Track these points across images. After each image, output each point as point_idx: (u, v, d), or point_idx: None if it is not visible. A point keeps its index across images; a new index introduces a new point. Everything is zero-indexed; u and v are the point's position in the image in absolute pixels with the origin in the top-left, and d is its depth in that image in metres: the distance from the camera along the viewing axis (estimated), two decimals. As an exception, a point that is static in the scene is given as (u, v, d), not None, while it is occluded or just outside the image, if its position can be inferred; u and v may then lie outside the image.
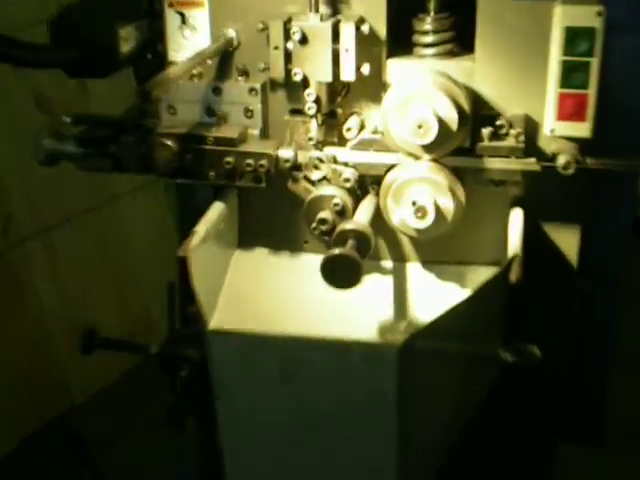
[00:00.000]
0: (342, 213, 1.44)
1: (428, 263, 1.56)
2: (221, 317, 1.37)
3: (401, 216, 1.37)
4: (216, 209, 1.48)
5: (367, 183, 1.48)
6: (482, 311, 1.31)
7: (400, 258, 1.57)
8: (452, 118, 1.34)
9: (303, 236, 1.58)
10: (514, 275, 1.25)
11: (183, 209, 1.62)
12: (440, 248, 1.52)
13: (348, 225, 1.33)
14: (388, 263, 1.57)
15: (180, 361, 1.62)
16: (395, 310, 1.45)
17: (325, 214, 1.44)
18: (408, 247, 1.57)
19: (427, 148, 1.36)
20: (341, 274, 1.25)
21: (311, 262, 1.59)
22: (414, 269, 1.56)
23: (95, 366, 2.85)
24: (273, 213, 1.58)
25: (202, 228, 1.40)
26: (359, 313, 1.39)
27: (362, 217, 1.40)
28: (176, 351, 1.64)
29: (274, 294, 1.49)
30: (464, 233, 1.47)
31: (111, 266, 3.25)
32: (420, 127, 1.32)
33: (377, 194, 1.46)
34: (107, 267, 3.26)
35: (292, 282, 1.54)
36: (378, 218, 1.44)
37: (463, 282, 1.52)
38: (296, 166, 1.46)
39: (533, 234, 1.46)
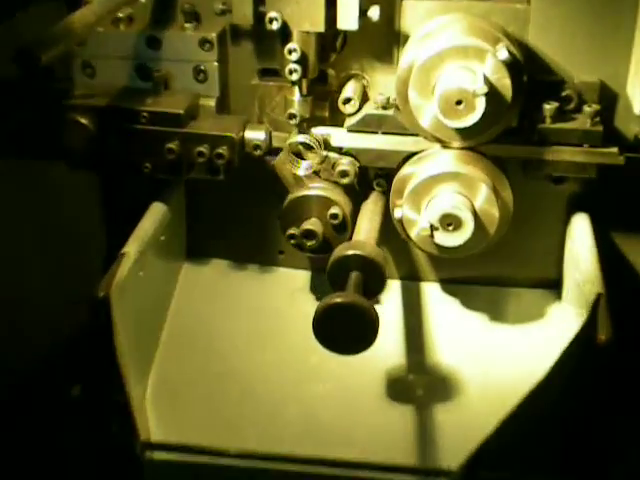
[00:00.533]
0: (338, 224, 1.00)
1: (451, 283, 1.13)
2: (160, 415, 0.95)
3: (422, 228, 0.93)
4: (154, 214, 1.03)
5: (370, 177, 1.03)
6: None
7: (412, 275, 1.14)
8: (505, 87, 0.90)
9: (277, 245, 1.14)
10: (604, 333, 0.82)
11: (109, 212, 1.16)
12: (466, 263, 1.08)
13: (350, 250, 0.89)
14: (395, 283, 1.13)
15: (110, 409, 1.17)
16: (413, 365, 1.03)
17: (312, 224, 1.00)
18: (424, 261, 1.14)
19: (465, 132, 0.92)
20: (346, 333, 0.82)
21: (289, 280, 1.15)
22: (432, 292, 1.13)
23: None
24: (235, 213, 1.13)
25: (134, 247, 0.96)
26: (366, 378, 0.96)
27: (366, 231, 0.96)
28: (103, 394, 1.19)
29: (239, 338, 1.06)
30: (503, 243, 1.03)
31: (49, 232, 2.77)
32: (460, 103, 0.88)
33: (384, 192, 1.03)
34: (45, 233, 2.77)
35: (264, 313, 1.10)
36: (384, 224, 1.01)
37: (502, 312, 1.10)
38: (271, 151, 1.01)
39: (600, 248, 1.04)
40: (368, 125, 0.98)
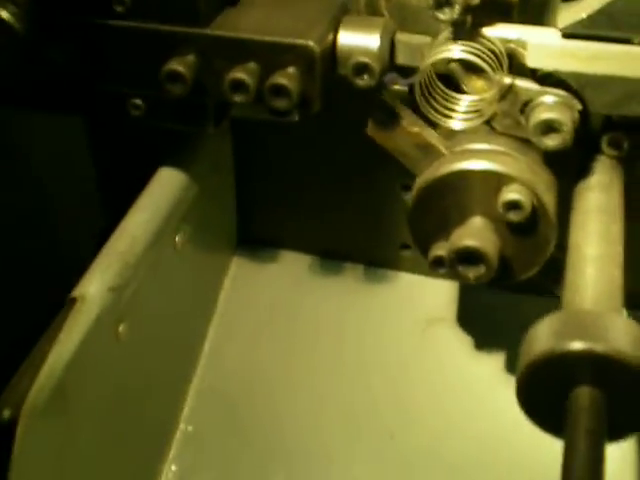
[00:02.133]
0: (523, 223, 0.47)
1: None
2: None
3: None
4: (156, 197, 0.52)
5: (593, 129, 0.49)
6: None
7: None
8: None
9: (399, 234, 0.63)
10: None
11: (101, 177, 0.66)
12: None
13: (577, 341, 0.36)
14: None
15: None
16: None
17: (475, 233, 0.47)
18: None
19: None
20: None
21: (418, 297, 0.64)
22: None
23: None
24: (323, 177, 0.62)
25: (98, 286, 0.45)
26: None
27: (597, 269, 0.43)
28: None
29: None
30: None
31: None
32: None
33: (622, 159, 0.49)
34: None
35: (384, 365, 0.61)
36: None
37: None
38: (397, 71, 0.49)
39: None
40: (615, 24, 0.43)
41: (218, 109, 0.49)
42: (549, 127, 0.46)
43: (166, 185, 0.53)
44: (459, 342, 0.62)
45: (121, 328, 0.48)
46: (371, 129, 0.49)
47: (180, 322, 0.57)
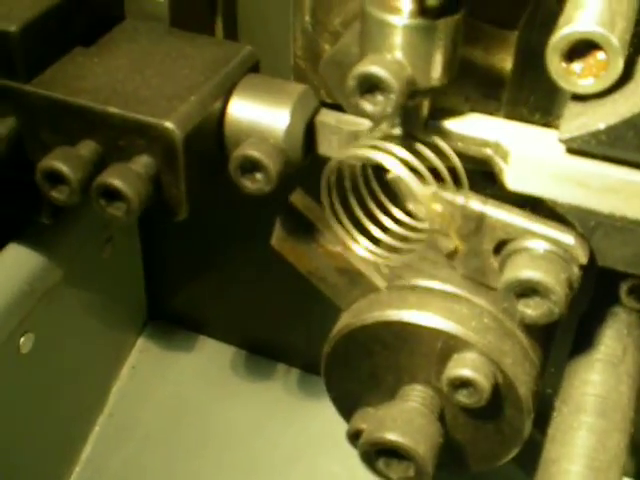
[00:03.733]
0: (491, 411, 0.31)
1: None
2: None
3: None
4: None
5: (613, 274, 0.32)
6: None
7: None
8: None
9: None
10: None
11: None
12: None
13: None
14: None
15: None
16: None
17: (410, 434, 0.31)
18: None
19: None
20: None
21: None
22: None
23: None
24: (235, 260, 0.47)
25: None
26: None
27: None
28: None
29: None
30: None
31: None
32: None
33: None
34: None
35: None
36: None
37: None
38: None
39: None
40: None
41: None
42: (530, 289, 0.29)
43: (4, 277, 0.38)
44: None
45: None
46: (277, 241, 0.34)
47: (40, 431, 0.43)
